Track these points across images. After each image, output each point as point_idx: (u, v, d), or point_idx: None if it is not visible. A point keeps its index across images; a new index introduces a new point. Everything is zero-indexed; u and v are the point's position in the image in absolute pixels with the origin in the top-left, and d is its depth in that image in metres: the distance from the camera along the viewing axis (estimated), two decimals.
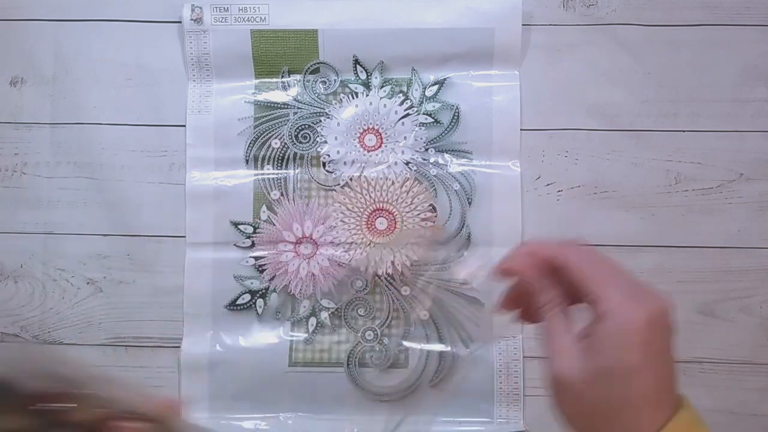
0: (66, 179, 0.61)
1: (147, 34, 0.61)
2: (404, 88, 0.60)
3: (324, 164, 0.60)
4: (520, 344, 0.59)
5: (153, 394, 0.33)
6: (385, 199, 0.59)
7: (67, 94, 0.61)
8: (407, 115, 0.60)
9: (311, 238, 0.60)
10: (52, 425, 0.28)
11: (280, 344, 0.59)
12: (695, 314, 0.59)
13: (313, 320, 0.59)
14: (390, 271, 0.59)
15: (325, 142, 0.60)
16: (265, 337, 0.59)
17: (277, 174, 0.60)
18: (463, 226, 0.59)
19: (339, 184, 0.60)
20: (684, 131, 0.59)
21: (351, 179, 0.60)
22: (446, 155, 0.60)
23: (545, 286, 0.32)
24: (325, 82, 0.60)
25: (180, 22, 0.60)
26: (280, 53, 0.60)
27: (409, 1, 0.59)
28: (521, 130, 0.59)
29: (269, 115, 0.60)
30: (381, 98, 0.60)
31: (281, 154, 0.60)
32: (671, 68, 0.59)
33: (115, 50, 0.61)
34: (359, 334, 0.59)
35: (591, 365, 0.30)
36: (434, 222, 0.59)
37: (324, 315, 0.59)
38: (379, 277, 0.59)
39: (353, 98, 0.60)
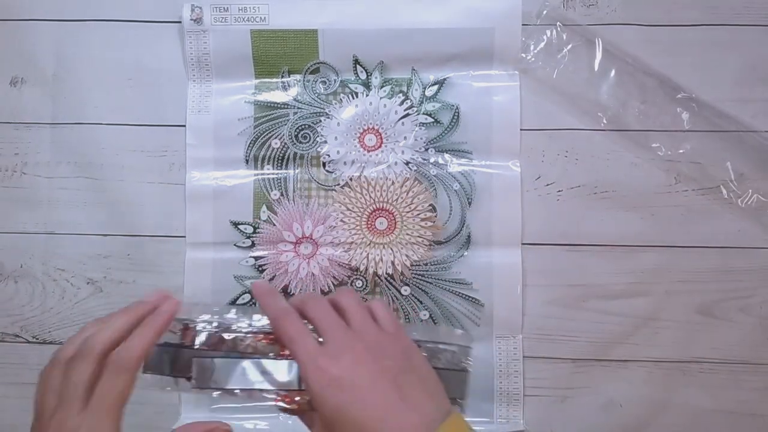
0: (66, 179, 0.61)
1: (147, 34, 0.61)
2: (404, 88, 0.60)
3: (324, 164, 0.60)
4: (520, 344, 0.59)
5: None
6: (385, 199, 0.59)
7: (67, 94, 0.61)
8: (407, 115, 0.60)
9: (311, 238, 0.60)
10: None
11: None
12: (695, 314, 0.59)
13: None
14: (390, 271, 0.59)
15: (325, 142, 0.60)
16: None
17: (277, 174, 0.60)
18: (463, 226, 0.59)
19: (339, 184, 0.60)
20: (684, 131, 0.59)
21: (351, 179, 0.60)
22: (446, 155, 0.60)
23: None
24: (325, 82, 0.60)
25: (180, 22, 0.60)
26: (280, 53, 0.60)
27: (409, 1, 0.59)
28: (521, 130, 0.59)
29: (269, 115, 0.60)
30: (381, 98, 0.60)
31: (281, 154, 0.60)
32: (671, 68, 0.59)
33: (115, 50, 0.61)
34: None
35: None
36: (434, 222, 0.59)
37: None
38: (379, 277, 0.59)
39: (353, 98, 0.60)
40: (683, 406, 0.59)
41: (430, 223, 0.59)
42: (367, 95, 0.60)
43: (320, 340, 0.36)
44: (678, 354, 0.59)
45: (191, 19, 0.59)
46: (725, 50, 0.59)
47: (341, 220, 0.60)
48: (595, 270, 0.59)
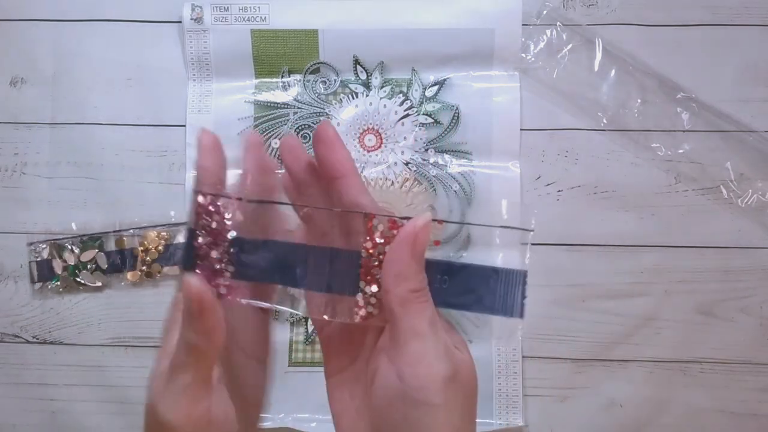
0: (66, 179, 0.61)
1: (147, 34, 0.61)
2: (404, 89, 0.60)
3: None
4: (519, 345, 0.59)
5: None
6: (385, 200, 0.59)
7: (67, 94, 0.61)
8: (407, 115, 0.60)
9: None
10: None
11: (279, 344, 0.59)
12: (695, 314, 0.59)
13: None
14: None
15: None
16: None
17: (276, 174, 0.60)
18: (462, 227, 0.59)
19: None
20: (684, 131, 0.59)
21: None
22: (446, 156, 0.60)
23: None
24: (325, 82, 0.60)
25: (180, 22, 0.60)
26: (280, 53, 0.60)
27: (409, 1, 0.59)
28: (521, 130, 0.59)
29: (269, 114, 0.60)
30: (381, 98, 0.60)
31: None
32: (671, 68, 0.59)
33: (115, 50, 0.61)
34: None
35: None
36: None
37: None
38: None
39: (353, 98, 0.60)
40: (683, 406, 0.59)
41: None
42: (367, 95, 0.60)
43: None
44: (678, 354, 0.59)
45: (191, 19, 0.59)
46: (725, 50, 0.59)
47: None
48: (595, 270, 0.59)
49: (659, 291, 0.59)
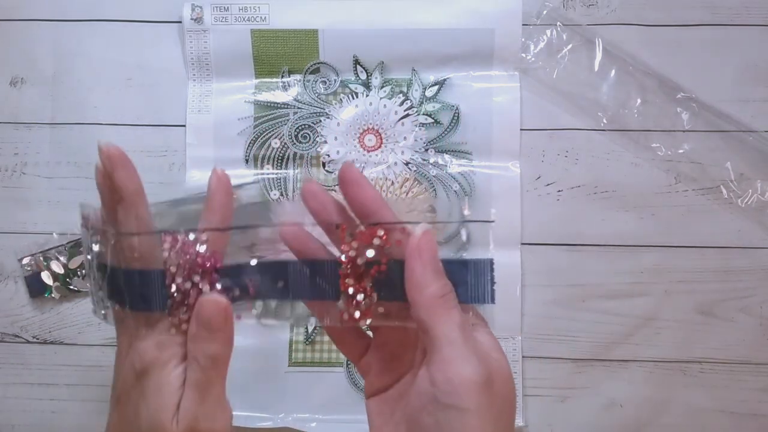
0: (66, 179, 0.61)
1: (147, 34, 0.61)
2: (404, 89, 0.60)
3: (324, 164, 0.60)
4: (519, 344, 0.59)
5: None
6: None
7: (67, 94, 0.61)
8: (407, 115, 0.60)
9: None
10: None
11: (279, 344, 0.59)
12: (695, 314, 0.59)
13: (312, 320, 0.59)
14: None
15: (325, 142, 0.60)
16: (264, 337, 0.59)
17: (276, 174, 0.60)
18: (461, 227, 0.59)
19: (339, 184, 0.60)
20: (684, 131, 0.59)
21: None
22: (446, 156, 0.60)
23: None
24: (325, 82, 0.60)
25: (180, 22, 0.60)
26: (280, 53, 0.60)
27: (409, 1, 0.59)
28: (521, 130, 0.59)
29: (269, 114, 0.60)
30: (381, 98, 0.60)
31: (281, 154, 0.60)
32: (671, 68, 0.59)
33: (115, 50, 0.61)
34: None
35: None
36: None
37: None
38: None
39: (353, 98, 0.60)
40: (683, 406, 0.59)
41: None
42: (367, 95, 0.60)
43: None
44: (678, 354, 0.59)
45: (191, 19, 0.59)
46: (725, 50, 0.59)
47: None
48: (595, 270, 0.59)
49: (659, 291, 0.59)
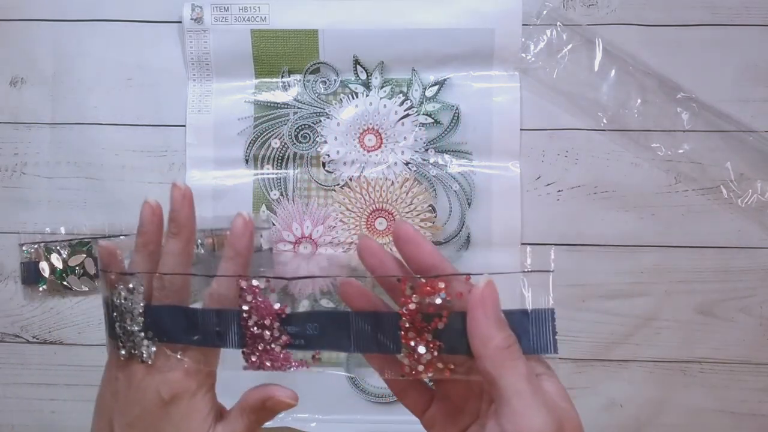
0: (66, 179, 0.61)
1: (147, 34, 0.61)
2: (404, 89, 0.60)
3: (324, 164, 0.60)
4: None
5: None
6: (385, 200, 0.59)
7: (67, 94, 0.61)
8: (407, 115, 0.60)
9: (311, 238, 0.60)
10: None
11: None
12: (695, 314, 0.59)
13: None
14: None
15: (325, 142, 0.60)
16: None
17: (276, 174, 0.60)
18: (462, 227, 0.59)
19: (339, 184, 0.60)
20: (684, 131, 0.59)
21: (351, 179, 0.60)
22: (446, 156, 0.60)
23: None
24: (325, 82, 0.60)
25: (180, 22, 0.60)
26: (281, 53, 0.60)
27: (409, 1, 0.59)
28: (521, 130, 0.59)
29: (269, 114, 0.60)
30: (381, 98, 0.60)
31: (281, 154, 0.60)
32: (671, 68, 0.59)
33: (115, 50, 0.61)
34: None
35: None
36: (434, 222, 0.59)
37: None
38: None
39: (353, 98, 0.60)
40: (683, 406, 0.59)
41: (429, 224, 0.59)
42: (367, 95, 0.60)
43: None
44: (678, 354, 0.59)
45: (192, 19, 0.59)
46: (725, 50, 0.59)
47: (341, 221, 0.60)
48: (595, 270, 0.59)
49: (659, 291, 0.59)
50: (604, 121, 0.59)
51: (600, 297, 0.59)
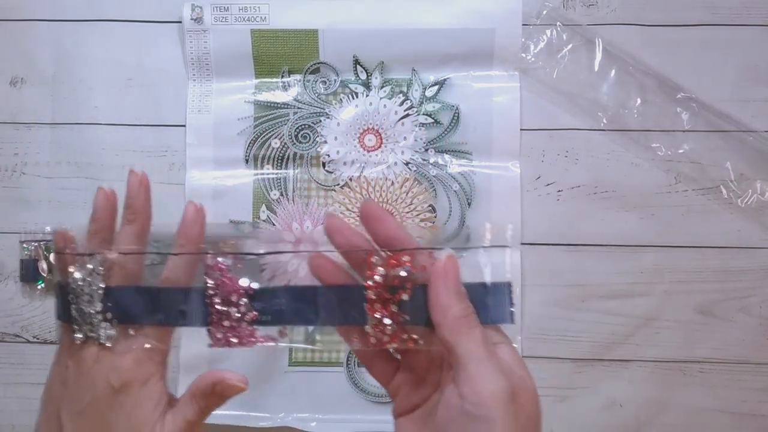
0: (66, 179, 0.61)
1: (147, 34, 0.61)
2: (404, 89, 0.60)
3: (324, 164, 0.60)
4: (519, 345, 0.59)
5: None
6: (385, 200, 0.59)
7: (67, 94, 0.61)
8: (407, 115, 0.60)
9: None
10: None
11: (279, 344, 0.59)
12: (695, 314, 0.59)
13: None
14: None
15: (325, 142, 0.60)
16: None
17: (276, 174, 0.60)
18: (462, 227, 0.59)
19: (339, 184, 0.60)
20: (684, 131, 0.59)
21: (351, 179, 0.60)
22: (446, 156, 0.60)
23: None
24: (325, 82, 0.60)
25: (180, 22, 0.60)
26: (281, 53, 0.60)
27: (409, 1, 0.59)
28: (521, 130, 0.59)
29: (269, 114, 0.60)
30: (381, 98, 0.60)
31: (281, 154, 0.60)
32: (671, 68, 0.59)
33: (115, 50, 0.61)
34: None
35: None
36: (433, 222, 0.59)
37: None
38: None
39: (353, 98, 0.60)
40: (683, 406, 0.59)
41: (429, 224, 0.59)
42: (367, 95, 0.60)
43: None
44: (678, 354, 0.59)
45: (191, 19, 0.59)
46: (725, 50, 0.59)
47: None
48: (595, 270, 0.59)
49: (659, 291, 0.59)
50: (604, 121, 0.59)
51: (600, 297, 0.59)
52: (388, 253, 0.33)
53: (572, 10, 0.60)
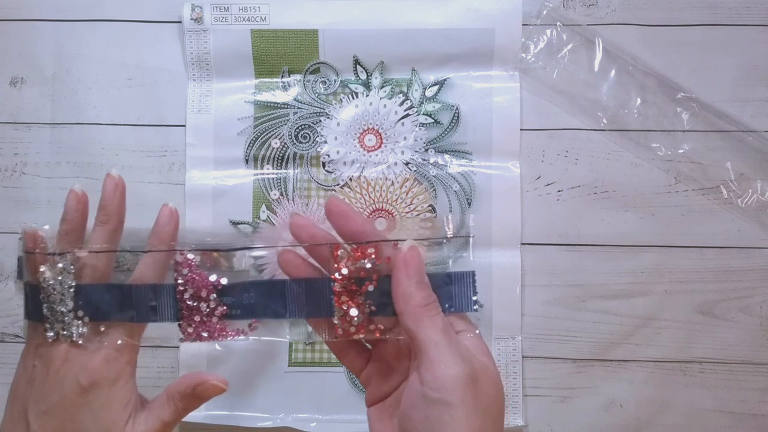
0: (66, 179, 0.61)
1: (147, 34, 0.61)
2: (404, 89, 0.60)
3: (324, 164, 0.60)
4: (519, 345, 0.59)
5: None
6: (385, 200, 0.59)
7: (67, 94, 0.61)
8: (407, 115, 0.60)
9: None
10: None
11: (280, 344, 0.59)
12: (695, 314, 0.59)
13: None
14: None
15: (325, 142, 0.60)
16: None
17: (276, 174, 0.60)
18: (462, 227, 0.59)
19: (339, 184, 0.60)
20: (684, 131, 0.59)
21: (351, 179, 0.60)
22: (446, 156, 0.60)
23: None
24: (326, 82, 0.60)
25: (180, 22, 0.60)
26: (281, 53, 0.60)
27: (409, 1, 0.59)
28: (521, 130, 0.59)
29: (269, 114, 0.60)
30: (381, 98, 0.60)
31: (281, 154, 0.60)
32: (671, 68, 0.59)
33: (115, 50, 0.61)
34: None
35: None
36: (433, 222, 0.59)
37: None
38: None
39: (353, 98, 0.60)
40: (683, 406, 0.59)
41: (429, 224, 0.59)
42: (367, 95, 0.60)
43: None
44: (678, 354, 0.59)
45: (191, 19, 0.59)
46: (725, 50, 0.59)
47: None
48: (595, 270, 0.59)
49: (659, 291, 0.59)
50: (604, 121, 0.59)
51: (600, 297, 0.59)
52: (354, 245, 0.34)
53: (572, 10, 0.60)
